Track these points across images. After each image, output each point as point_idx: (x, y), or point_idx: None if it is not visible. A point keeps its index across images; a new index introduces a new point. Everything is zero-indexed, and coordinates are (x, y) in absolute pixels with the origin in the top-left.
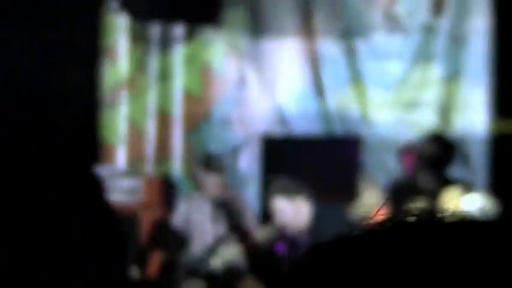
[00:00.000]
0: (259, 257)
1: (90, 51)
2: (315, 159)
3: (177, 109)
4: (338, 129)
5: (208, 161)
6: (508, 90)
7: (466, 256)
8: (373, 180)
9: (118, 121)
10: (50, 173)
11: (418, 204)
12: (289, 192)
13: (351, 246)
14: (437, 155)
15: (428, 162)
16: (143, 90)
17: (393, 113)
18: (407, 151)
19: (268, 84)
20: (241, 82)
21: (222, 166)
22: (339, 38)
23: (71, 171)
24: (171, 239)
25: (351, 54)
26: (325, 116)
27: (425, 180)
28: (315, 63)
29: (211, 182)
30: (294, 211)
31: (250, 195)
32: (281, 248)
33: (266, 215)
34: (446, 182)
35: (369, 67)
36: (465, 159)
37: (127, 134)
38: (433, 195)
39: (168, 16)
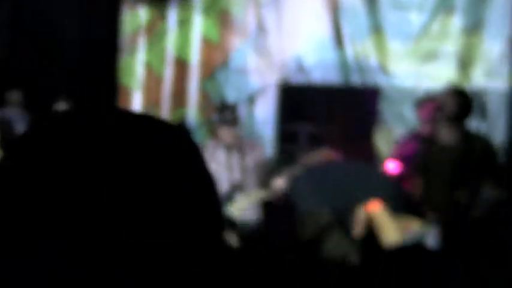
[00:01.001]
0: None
1: None
2: (333, 108)
3: (195, 56)
4: (357, 79)
5: (223, 112)
6: None
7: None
8: (390, 131)
9: (136, 66)
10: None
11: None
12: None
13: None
14: (456, 109)
15: (447, 115)
16: (161, 37)
17: (412, 64)
18: (426, 103)
19: (287, 33)
20: (260, 30)
21: (236, 117)
22: None
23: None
24: None
25: (371, 5)
26: (344, 65)
27: (444, 132)
28: (335, 13)
29: (226, 132)
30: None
31: (266, 142)
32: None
33: (282, 161)
34: (465, 134)
35: (389, 18)
36: (484, 111)
37: (144, 80)
38: (453, 147)
39: None
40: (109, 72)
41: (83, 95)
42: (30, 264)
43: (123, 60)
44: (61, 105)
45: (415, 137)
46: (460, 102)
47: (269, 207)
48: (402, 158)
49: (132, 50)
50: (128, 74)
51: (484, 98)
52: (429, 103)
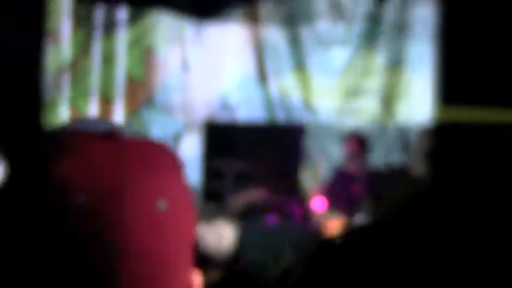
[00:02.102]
0: None
1: (34, 34)
2: (258, 146)
3: (119, 93)
4: (281, 116)
5: None
6: (451, 79)
7: None
8: (316, 167)
9: (60, 104)
10: None
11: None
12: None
13: None
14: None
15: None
16: (86, 74)
17: (336, 101)
18: (351, 138)
19: (211, 70)
20: (185, 67)
21: None
22: (283, 25)
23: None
24: None
25: (295, 41)
26: (269, 103)
27: (418, 166)
28: (258, 50)
29: None
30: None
31: (192, 181)
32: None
33: (208, 197)
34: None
35: (313, 54)
36: (407, 147)
37: (69, 118)
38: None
39: None
40: (33, 110)
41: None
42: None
43: (48, 98)
44: None
45: (340, 174)
46: (432, 139)
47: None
48: (328, 194)
49: (56, 87)
50: (51, 112)
51: (407, 133)
52: (354, 139)
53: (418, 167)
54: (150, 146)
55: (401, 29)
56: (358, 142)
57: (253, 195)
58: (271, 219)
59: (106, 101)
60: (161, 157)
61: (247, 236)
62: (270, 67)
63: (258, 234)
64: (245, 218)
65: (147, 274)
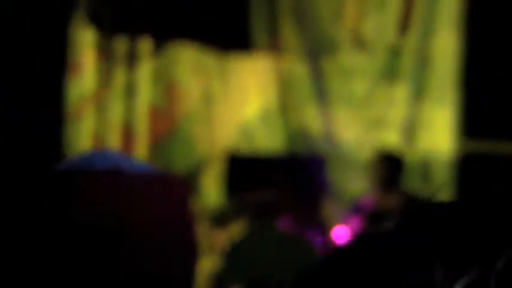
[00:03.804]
0: None
1: (57, 66)
2: (280, 177)
3: (142, 125)
4: (303, 148)
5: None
6: (473, 111)
7: None
8: (338, 199)
9: (83, 136)
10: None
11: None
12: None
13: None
14: (386, 173)
15: (379, 180)
16: (108, 105)
17: (358, 132)
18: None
19: (234, 101)
20: (207, 99)
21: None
22: (305, 56)
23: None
24: None
25: (316, 73)
26: (290, 135)
27: (380, 198)
28: (281, 82)
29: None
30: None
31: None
32: None
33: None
34: (404, 196)
35: (335, 86)
36: (429, 180)
37: (90, 149)
38: (392, 211)
39: (135, 31)
40: (55, 141)
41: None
42: None
43: (69, 129)
44: None
45: (359, 208)
46: (390, 166)
47: None
48: (350, 228)
49: (78, 119)
50: (74, 143)
51: (429, 165)
52: (385, 159)
53: (383, 199)
54: (158, 182)
55: (424, 60)
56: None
57: (268, 195)
58: (285, 222)
59: (129, 133)
60: (169, 193)
61: (259, 235)
62: (292, 99)
63: (269, 235)
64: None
65: None
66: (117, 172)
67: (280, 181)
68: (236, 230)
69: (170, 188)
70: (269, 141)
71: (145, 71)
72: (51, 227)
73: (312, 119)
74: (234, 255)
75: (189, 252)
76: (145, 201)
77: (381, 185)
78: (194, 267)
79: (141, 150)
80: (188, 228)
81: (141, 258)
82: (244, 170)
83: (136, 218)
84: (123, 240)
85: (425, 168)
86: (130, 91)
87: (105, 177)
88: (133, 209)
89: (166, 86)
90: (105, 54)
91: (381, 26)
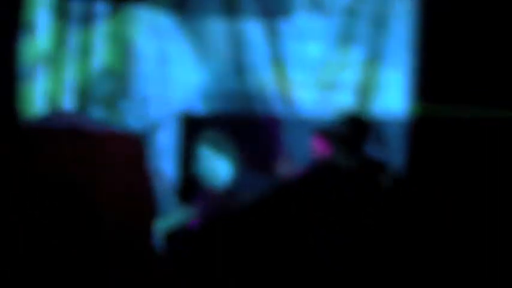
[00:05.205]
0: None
1: (11, 25)
2: (234, 138)
3: (96, 85)
4: (258, 108)
5: None
6: (428, 74)
7: None
8: (292, 160)
9: (37, 96)
10: None
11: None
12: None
13: None
14: (352, 135)
15: (344, 141)
16: (62, 66)
17: (313, 94)
18: (320, 134)
19: (188, 62)
20: (163, 60)
21: None
22: (261, 18)
23: None
24: None
25: (272, 35)
26: (246, 95)
27: (342, 159)
28: (236, 43)
29: None
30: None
31: (169, 172)
32: (195, 226)
33: (184, 192)
34: (363, 161)
35: (290, 48)
36: (382, 141)
37: (45, 109)
38: (351, 174)
39: None
40: (9, 101)
41: None
42: None
43: (23, 89)
44: None
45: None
46: (354, 128)
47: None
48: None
49: (32, 79)
50: (27, 103)
51: (383, 128)
52: (323, 135)
53: (344, 160)
54: (114, 140)
55: (379, 24)
56: (327, 138)
57: None
58: None
59: (83, 94)
60: (124, 150)
61: None
62: (247, 60)
63: None
64: None
65: None
66: (75, 131)
67: (235, 141)
68: None
69: (126, 146)
70: (224, 101)
71: (101, 32)
72: (12, 184)
73: (267, 80)
74: None
75: (145, 208)
76: (102, 159)
77: (342, 145)
78: (151, 221)
79: (95, 110)
80: (144, 184)
81: (100, 212)
82: (200, 131)
83: (94, 174)
84: (82, 195)
85: (380, 130)
86: (85, 52)
87: (64, 136)
88: (91, 166)
89: (122, 47)
90: (60, 14)
91: None
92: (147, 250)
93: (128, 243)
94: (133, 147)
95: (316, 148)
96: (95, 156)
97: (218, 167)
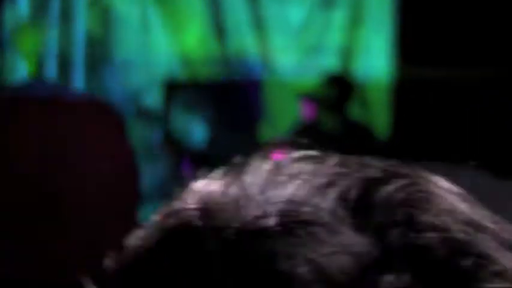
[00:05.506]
0: None
1: None
2: (217, 103)
3: (78, 51)
4: (239, 73)
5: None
6: (409, 36)
7: None
8: (274, 124)
9: (19, 62)
10: None
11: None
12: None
13: None
14: (335, 96)
15: (327, 102)
16: (44, 32)
17: (295, 58)
18: (308, 98)
19: (170, 28)
20: (145, 26)
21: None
22: None
23: None
24: None
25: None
26: (227, 60)
27: (326, 121)
28: (216, 8)
29: None
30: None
31: (154, 138)
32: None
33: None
34: (347, 123)
35: (271, 11)
36: (365, 104)
37: (27, 76)
38: (335, 136)
39: None
40: None
41: None
42: None
43: (5, 55)
44: None
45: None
46: (339, 89)
47: None
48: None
49: (13, 45)
50: (10, 69)
51: (366, 90)
52: (311, 98)
53: (329, 122)
54: (89, 108)
55: None
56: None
57: None
58: None
59: (65, 60)
60: (100, 118)
61: None
62: (227, 25)
63: None
64: None
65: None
66: (55, 99)
67: (218, 107)
68: None
69: (106, 114)
70: (206, 67)
71: None
72: None
73: (248, 44)
74: None
75: (126, 175)
76: (82, 128)
77: (327, 107)
78: (133, 190)
79: (77, 76)
80: (124, 151)
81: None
82: (183, 96)
83: (74, 143)
84: (61, 164)
85: (362, 93)
86: (66, 18)
87: (43, 104)
88: (71, 134)
89: (103, 13)
90: None
91: None
92: (130, 215)
93: (111, 209)
94: (114, 117)
95: (303, 111)
96: (74, 124)
97: (192, 129)
